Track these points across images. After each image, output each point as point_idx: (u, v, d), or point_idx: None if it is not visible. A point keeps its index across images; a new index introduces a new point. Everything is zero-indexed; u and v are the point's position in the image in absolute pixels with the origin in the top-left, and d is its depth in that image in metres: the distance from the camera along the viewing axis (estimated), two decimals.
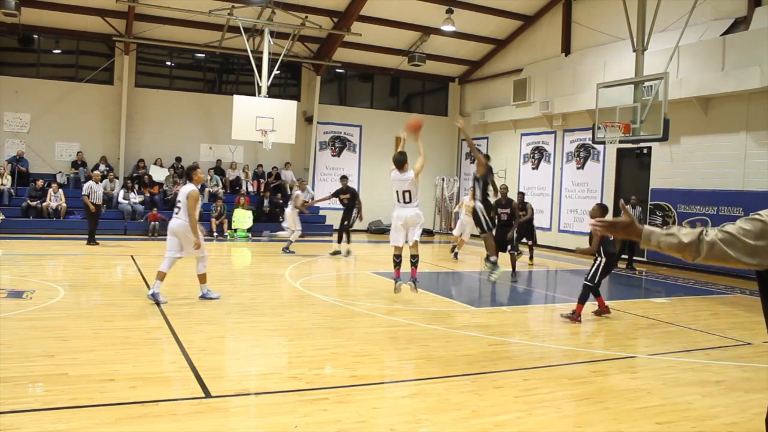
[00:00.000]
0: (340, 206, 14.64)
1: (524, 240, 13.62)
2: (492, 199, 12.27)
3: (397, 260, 8.76)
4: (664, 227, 2.38)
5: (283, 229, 15.36)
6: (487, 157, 10.13)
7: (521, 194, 13.89)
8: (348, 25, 18.08)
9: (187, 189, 8.13)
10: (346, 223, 14.29)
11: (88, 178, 17.80)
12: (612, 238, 8.07)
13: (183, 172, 18.71)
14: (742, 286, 11.95)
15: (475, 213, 9.30)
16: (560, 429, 4.30)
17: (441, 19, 17.95)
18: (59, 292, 8.31)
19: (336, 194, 14.61)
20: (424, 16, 18.38)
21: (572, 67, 17.49)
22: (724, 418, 4.60)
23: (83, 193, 14.34)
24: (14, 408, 4.15)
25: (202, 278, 8.30)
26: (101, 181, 15.14)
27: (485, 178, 9.24)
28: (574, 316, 8.00)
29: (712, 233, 2.24)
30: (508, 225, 11.72)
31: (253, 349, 6.19)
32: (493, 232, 9.75)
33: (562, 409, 4.70)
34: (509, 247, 11.76)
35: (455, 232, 14.91)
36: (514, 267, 11.82)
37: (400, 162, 8.62)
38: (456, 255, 14.32)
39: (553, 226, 18.23)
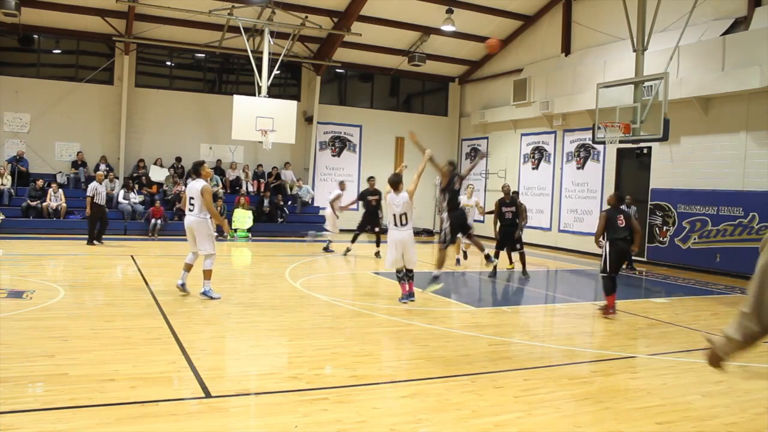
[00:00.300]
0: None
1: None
2: (465, 202, 12.39)
3: (400, 274, 8.71)
4: (723, 333, 2.48)
5: (326, 230, 15.12)
6: (451, 163, 9.80)
7: (515, 193, 13.69)
8: (348, 25, 18.08)
9: (198, 185, 8.30)
10: (377, 229, 14.08)
11: (92, 178, 17.79)
12: (623, 224, 8.21)
13: (183, 172, 18.76)
14: (742, 286, 11.95)
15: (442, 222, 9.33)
16: (560, 429, 4.30)
17: (441, 19, 17.94)
18: (59, 292, 8.31)
19: (363, 196, 14.40)
20: (424, 16, 18.39)
21: (572, 67, 17.49)
22: (724, 418, 4.60)
23: (88, 194, 14.33)
24: (14, 408, 4.15)
25: (207, 274, 8.35)
26: (102, 182, 15.12)
27: (451, 187, 9.09)
28: (606, 309, 8.24)
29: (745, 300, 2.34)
30: (513, 224, 11.77)
31: (253, 349, 6.19)
32: (447, 249, 9.60)
33: (562, 409, 4.70)
34: (518, 246, 11.83)
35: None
36: (524, 266, 11.87)
37: (395, 183, 8.61)
38: (459, 260, 13.43)
39: (553, 226, 18.23)
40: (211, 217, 8.43)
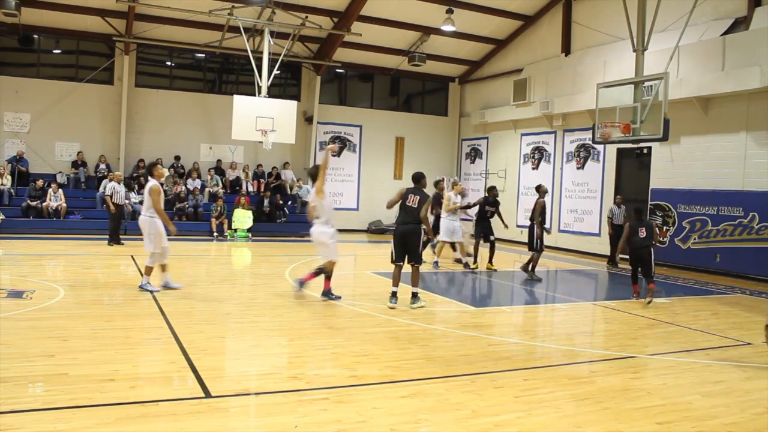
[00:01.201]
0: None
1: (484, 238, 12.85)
2: (455, 200, 12.03)
3: (318, 272, 8.70)
4: None
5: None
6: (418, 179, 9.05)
7: (493, 188, 13.41)
8: (348, 25, 18.08)
9: (148, 185, 8.69)
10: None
11: (92, 178, 17.88)
12: (644, 235, 9.61)
13: (183, 172, 18.78)
14: (742, 286, 11.95)
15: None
16: (560, 429, 4.30)
17: (441, 19, 17.94)
18: (59, 292, 8.31)
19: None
20: (424, 16, 18.38)
21: (572, 67, 17.49)
22: (724, 418, 4.60)
23: (106, 193, 14.58)
24: (14, 408, 4.15)
25: (147, 270, 8.74)
26: (121, 182, 15.15)
27: (403, 202, 8.61)
28: (633, 294, 9.84)
29: None
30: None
31: (253, 349, 6.19)
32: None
33: (562, 409, 4.70)
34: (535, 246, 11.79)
35: (444, 237, 12.76)
36: (528, 266, 11.83)
37: (310, 176, 8.66)
38: (466, 264, 12.83)
39: (553, 226, 18.21)
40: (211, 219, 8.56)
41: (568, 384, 5.31)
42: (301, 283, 8.81)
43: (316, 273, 8.69)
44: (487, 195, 12.98)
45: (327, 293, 8.64)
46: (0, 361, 5.14)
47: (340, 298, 8.67)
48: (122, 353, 5.66)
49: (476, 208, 13.31)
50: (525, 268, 11.87)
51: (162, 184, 17.83)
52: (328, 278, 8.67)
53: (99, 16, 17.06)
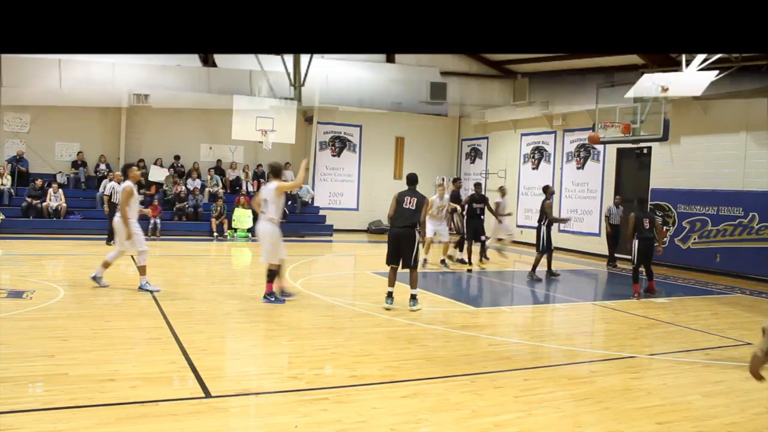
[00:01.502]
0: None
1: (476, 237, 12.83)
2: (438, 203, 11.86)
3: (271, 277, 8.35)
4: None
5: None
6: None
7: (478, 184, 13.44)
8: None
9: (122, 185, 8.78)
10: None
11: (92, 178, 17.88)
12: (648, 226, 9.76)
13: (183, 172, 18.77)
14: (742, 286, 11.95)
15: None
16: (560, 429, 4.30)
17: None
18: (59, 292, 8.31)
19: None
20: None
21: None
22: (724, 418, 4.60)
23: (106, 193, 14.58)
24: (14, 408, 4.15)
25: (141, 270, 8.71)
26: (121, 182, 15.18)
27: (400, 206, 8.35)
28: (634, 294, 9.83)
29: None
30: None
31: (253, 349, 6.19)
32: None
33: (562, 409, 4.70)
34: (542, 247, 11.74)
35: (428, 234, 12.38)
36: (550, 271, 11.81)
37: (273, 170, 8.51)
38: (443, 261, 12.86)
39: (554, 226, 18.17)
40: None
41: (568, 384, 5.31)
42: (271, 295, 8.29)
43: (270, 279, 8.31)
44: (473, 193, 12.94)
45: (270, 295, 8.30)
46: (0, 361, 5.14)
47: (290, 296, 8.48)
48: (122, 353, 5.67)
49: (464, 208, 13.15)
50: (549, 273, 11.88)
51: (162, 184, 18.06)
52: (270, 281, 8.33)
53: None
